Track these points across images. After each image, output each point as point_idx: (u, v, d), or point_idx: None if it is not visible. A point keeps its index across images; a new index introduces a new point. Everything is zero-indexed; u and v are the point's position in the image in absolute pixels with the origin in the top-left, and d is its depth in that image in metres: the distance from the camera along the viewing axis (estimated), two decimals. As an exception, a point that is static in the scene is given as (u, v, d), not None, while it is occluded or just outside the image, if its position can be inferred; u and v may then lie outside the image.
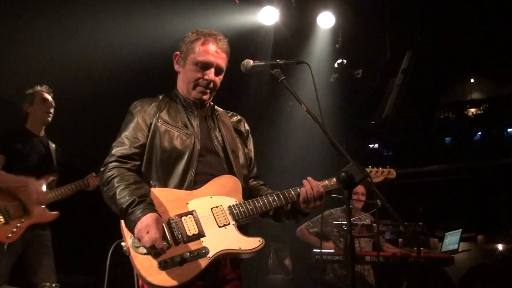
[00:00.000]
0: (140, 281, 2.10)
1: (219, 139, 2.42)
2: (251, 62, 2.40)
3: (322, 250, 4.77)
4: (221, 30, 2.47)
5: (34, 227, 3.85)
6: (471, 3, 6.32)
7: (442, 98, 11.20)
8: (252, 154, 2.61)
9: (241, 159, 2.47)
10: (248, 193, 2.46)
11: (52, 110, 4.12)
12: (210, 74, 2.38)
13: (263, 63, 2.40)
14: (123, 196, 2.11)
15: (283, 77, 2.31)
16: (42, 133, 4.18)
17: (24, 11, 4.70)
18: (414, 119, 10.12)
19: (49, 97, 4.12)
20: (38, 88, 4.14)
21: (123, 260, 2.13)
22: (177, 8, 5.31)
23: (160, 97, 2.47)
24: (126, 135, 2.29)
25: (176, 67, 2.49)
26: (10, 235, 3.69)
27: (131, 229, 2.06)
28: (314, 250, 4.86)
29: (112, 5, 4.95)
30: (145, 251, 2.04)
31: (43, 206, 3.88)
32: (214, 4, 5.61)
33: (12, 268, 3.76)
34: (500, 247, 6.71)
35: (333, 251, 4.83)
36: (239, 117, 2.64)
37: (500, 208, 7.63)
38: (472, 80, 11.44)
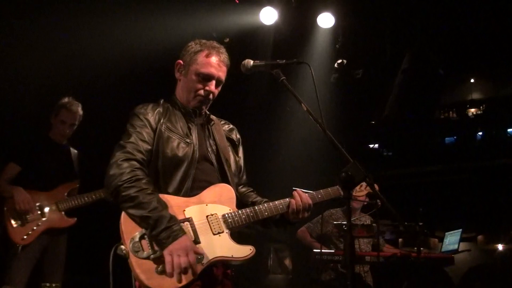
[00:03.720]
0: (137, 284, 2.12)
1: (213, 147, 2.49)
2: (251, 62, 2.43)
3: (322, 250, 4.77)
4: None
5: (52, 232, 3.92)
6: (471, 3, 6.31)
7: (442, 98, 11.19)
8: (242, 162, 2.68)
9: (233, 167, 2.54)
10: (237, 200, 2.50)
11: (70, 127, 4.16)
12: (211, 86, 2.45)
13: (263, 63, 2.42)
14: (152, 202, 2.11)
15: (283, 77, 2.33)
16: (65, 141, 4.25)
17: (28, 12, 4.70)
18: (414, 119, 10.11)
19: (68, 120, 4.12)
20: (65, 101, 4.16)
21: (124, 262, 2.14)
22: (177, 8, 5.31)
23: (161, 102, 2.50)
24: (139, 136, 2.31)
25: (177, 75, 2.53)
26: (25, 237, 3.78)
27: (163, 243, 2.06)
28: (314, 250, 4.86)
29: (113, 5, 4.95)
30: (144, 255, 2.08)
31: (61, 212, 3.95)
32: (214, 4, 5.61)
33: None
34: (500, 247, 6.70)
35: (333, 251, 4.83)
36: (231, 125, 2.72)
37: (500, 208, 7.62)
38: (472, 80, 11.42)
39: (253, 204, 2.48)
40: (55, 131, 4.15)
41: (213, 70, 2.43)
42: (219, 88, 2.53)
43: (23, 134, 4.31)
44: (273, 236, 6.84)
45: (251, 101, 6.91)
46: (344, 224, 4.65)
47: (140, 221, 2.12)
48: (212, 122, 2.58)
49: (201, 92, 2.45)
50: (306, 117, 2.25)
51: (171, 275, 2.04)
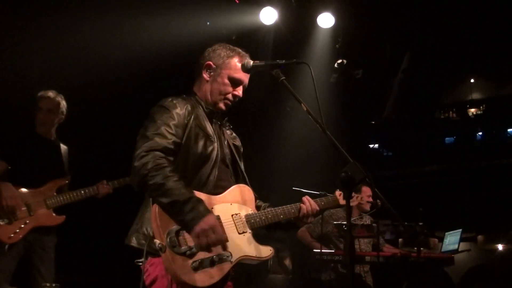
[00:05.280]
0: (169, 278, 2.14)
1: (227, 150, 2.55)
2: (251, 62, 2.44)
3: (322, 250, 4.77)
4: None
5: (38, 230, 3.83)
6: (471, 3, 6.31)
7: (442, 98, 11.20)
8: (243, 167, 2.70)
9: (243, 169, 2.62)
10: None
11: (47, 114, 4.05)
12: (240, 91, 2.53)
13: (263, 63, 2.43)
14: (179, 187, 2.12)
15: (283, 77, 2.33)
16: (53, 136, 4.16)
17: (29, 10, 4.70)
18: (414, 119, 10.12)
19: (44, 106, 4.04)
20: (41, 93, 4.09)
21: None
22: (177, 8, 5.31)
23: (187, 98, 2.51)
24: (166, 129, 2.29)
25: (206, 76, 2.55)
26: (12, 235, 3.69)
27: (190, 224, 2.09)
28: (314, 250, 4.86)
29: (116, 5, 4.95)
30: (181, 250, 2.10)
31: (49, 209, 3.87)
32: (214, 4, 5.61)
33: (15, 269, 3.77)
34: (500, 247, 6.70)
35: (333, 251, 4.83)
36: (234, 133, 2.75)
37: (500, 208, 7.62)
38: (472, 80, 11.43)
39: (258, 208, 2.54)
40: (37, 122, 4.08)
41: (243, 76, 2.51)
42: None
43: (10, 131, 4.24)
44: (273, 236, 6.84)
45: (251, 101, 6.90)
46: (344, 224, 4.65)
47: (170, 207, 2.12)
48: (227, 126, 2.65)
49: (230, 96, 2.51)
50: (306, 117, 2.25)
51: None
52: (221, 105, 2.52)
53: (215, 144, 2.42)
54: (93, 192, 4.01)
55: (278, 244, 7.02)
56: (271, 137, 7.30)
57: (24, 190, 3.82)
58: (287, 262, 6.96)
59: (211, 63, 2.54)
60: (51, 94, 4.09)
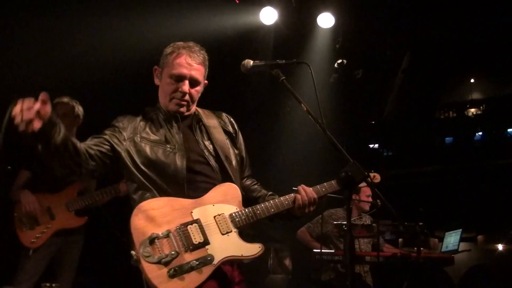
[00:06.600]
0: None
1: (210, 147, 2.44)
2: (251, 62, 2.41)
3: (322, 250, 4.77)
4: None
5: (63, 233, 3.91)
6: (471, 3, 6.31)
7: (442, 98, 11.20)
8: (244, 153, 2.62)
9: (234, 163, 2.49)
10: (243, 196, 2.45)
11: (62, 118, 4.08)
12: (184, 86, 2.40)
13: (263, 63, 2.41)
14: None
15: (283, 77, 2.33)
16: None
17: (22, 13, 4.70)
18: (414, 119, 10.12)
19: (59, 110, 4.06)
20: (56, 99, 4.12)
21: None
22: (177, 8, 5.31)
23: (141, 115, 2.49)
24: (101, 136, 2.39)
25: (156, 81, 2.52)
26: (34, 240, 3.79)
27: None
28: (314, 250, 4.87)
29: (112, 5, 4.95)
30: (155, 260, 2.08)
31: (71, 212, 3.94)
32: (214, 4, 5.61)
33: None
34: (500, 247, 6.71)
35: (333, 251, 4.83)
36: (224, 115, 2.65)
37: (500, 208, 7.62)
38: (472, 80, 11.42)
39: (258, 198, 2.48)
40: None
41: (183, 70, 2.39)
42: (198, 88, 2.47)
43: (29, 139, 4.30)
44: (273, 236, 6.84)
45: (251, 101, 6.90)
46: (344, 224, 4.65)
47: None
48: (203, 121, 2.51)
49: (175, 94, 2.41)
50: (306, 117, 2.24)
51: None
52: (172, 107, 2.43)
53: (176, 150, 2.33)
54: (114, 191, 4.04)
55: (278, 244, 7.02)
56: (271, 137, 7.31)
57: (44, 195, 3.90)
58: (287, 262, 6.96)
59: (156, 67, 2.50)
60: (65, 99, 4.16)
